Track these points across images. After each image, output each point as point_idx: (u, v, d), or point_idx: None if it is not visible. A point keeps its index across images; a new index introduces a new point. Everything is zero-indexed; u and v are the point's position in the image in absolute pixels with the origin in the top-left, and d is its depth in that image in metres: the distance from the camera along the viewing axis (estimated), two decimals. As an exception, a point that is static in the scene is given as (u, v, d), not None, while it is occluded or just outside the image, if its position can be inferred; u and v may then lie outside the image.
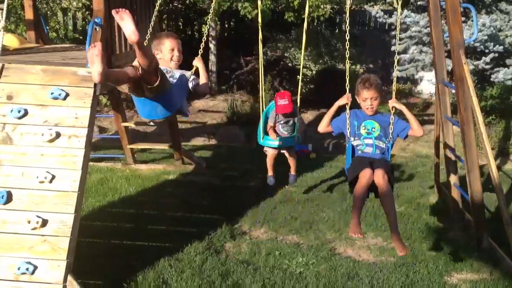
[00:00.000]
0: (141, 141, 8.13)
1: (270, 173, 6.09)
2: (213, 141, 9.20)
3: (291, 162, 6.15)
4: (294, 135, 5.84)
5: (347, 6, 5.41)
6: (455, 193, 5.68)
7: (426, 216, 5.92)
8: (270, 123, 5.90)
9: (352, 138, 4.15)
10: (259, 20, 5.05)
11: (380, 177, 3.80)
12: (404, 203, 6.30)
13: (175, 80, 3.95)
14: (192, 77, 4.13)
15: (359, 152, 4.16)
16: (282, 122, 5.87)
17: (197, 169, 7.62)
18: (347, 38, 4.68)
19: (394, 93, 4.52)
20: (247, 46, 10.86)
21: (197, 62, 4.18)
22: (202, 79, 4.17)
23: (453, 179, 5.67)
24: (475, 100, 4.69)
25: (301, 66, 4.76)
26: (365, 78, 4.27)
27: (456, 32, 4.95)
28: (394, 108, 4.19)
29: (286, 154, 6.08)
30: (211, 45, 11.05)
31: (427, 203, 6.33)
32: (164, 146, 7.71)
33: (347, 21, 4.87)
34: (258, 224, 5.66)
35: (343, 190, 6.67)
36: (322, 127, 4.31)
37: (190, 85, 4.11)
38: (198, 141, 9.16)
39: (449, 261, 4.90)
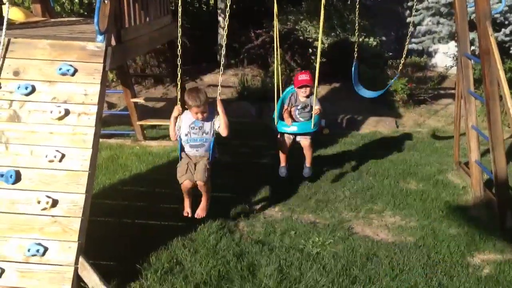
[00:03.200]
0: (151, 117, 7.96)
1: (282, 163, 5.54)
2: (223, 117, 8.99)
3: (307, 152, 5.49)
4: (311, 121, 5.24)
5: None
6: (476, 170, 5.51)
7: (445, 194, 5.75)
8: (286, 106, 5.42)
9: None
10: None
11: None
12: (422, 180, 6.14)
13: (206, 135, 4.53)
14: (216, 121, 4.54)
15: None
16: (299, 107, 5.36)
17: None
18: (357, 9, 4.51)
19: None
20: (256, 19, 10.57)
21: (219, 106, 4.50)
22: (222, 122, 4.49)
23: (474, 155, 5.49)
24: (502, 74, 4.47)
25: (320, 42, 4.39)
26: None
27: (482, 2, 4.70)
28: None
29: (302, 143, 5.45)
30: (220, 18, 10.78)
31: (446, 180, 6.15)
32: (174, 122, 7.53)
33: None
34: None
35: (358, 167, 6.50)
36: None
37: (216, 126, 4.55)
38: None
39: (471, 241, 4.76)
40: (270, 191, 5.83)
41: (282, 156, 5.51)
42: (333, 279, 4.15)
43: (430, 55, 11.41)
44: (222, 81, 4.88)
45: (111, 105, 9.23)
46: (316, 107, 5.20)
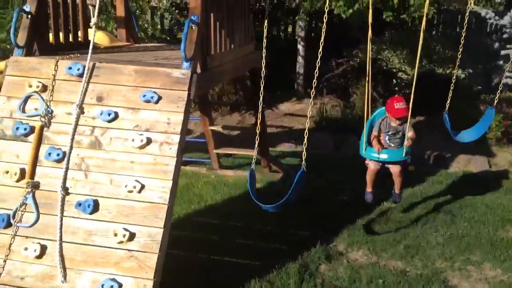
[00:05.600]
0: (227, 145, 7.75)
1: (369, 189, 5.28)
2: (300, 148, 8.67)
3: (397, 179, 5.22)
4: (403, 149, 4.90)
5: (468, 7, 4.92)
6: None
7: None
8: (375, 132, 5.08)
9: None
10: (370, 17, 4.44)
11: None
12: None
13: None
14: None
15: None
16: (389, 133, 5.01)
17: (284, 177, 7.15)
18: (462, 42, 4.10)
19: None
20: (338, 48, 10.25)
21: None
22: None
23: None
24: None
25: (416, 72, 4.09)
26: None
27: None
28: None
29: (391, 170, 5.15)
30: (299, 46, 10.56)
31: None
32: (251, 152, 7.28)
33: (466, 22, 4.25)
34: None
35: (450, 211, 5.95)
36: None
37: None
38: (285, 147, 8.67)
39: None
40: (352, 231, 5.41)
41: (368, 181, 5.25)
42: None
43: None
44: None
45: (187, 131, 9.13)
46: (410, 134, 4.92)
